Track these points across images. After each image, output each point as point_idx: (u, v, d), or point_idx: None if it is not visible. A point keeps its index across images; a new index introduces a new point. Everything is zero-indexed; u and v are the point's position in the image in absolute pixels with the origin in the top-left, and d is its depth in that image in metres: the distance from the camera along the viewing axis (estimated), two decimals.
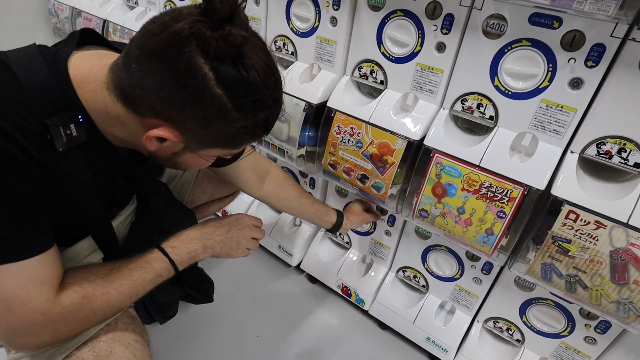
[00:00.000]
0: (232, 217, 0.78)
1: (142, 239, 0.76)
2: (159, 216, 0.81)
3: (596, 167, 0.81)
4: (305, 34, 1.05)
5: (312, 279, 1.36)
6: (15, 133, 0.49)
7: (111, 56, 0.57)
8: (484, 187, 0.82)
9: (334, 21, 0.98)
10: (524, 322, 1.00)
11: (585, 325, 0.91)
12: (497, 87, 0.80)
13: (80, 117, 0.55)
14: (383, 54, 0.93)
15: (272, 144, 1.13)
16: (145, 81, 0.50)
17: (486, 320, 1.07)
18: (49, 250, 0.55)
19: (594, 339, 0.91)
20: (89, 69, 0.56)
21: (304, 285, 1.36)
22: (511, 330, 1.03)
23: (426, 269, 1.13)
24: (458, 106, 0.87)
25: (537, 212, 0.80)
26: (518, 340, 1.03)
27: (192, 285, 0.86)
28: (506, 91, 0.80)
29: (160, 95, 0.50)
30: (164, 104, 0.51)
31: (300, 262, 1.36)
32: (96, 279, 0.58)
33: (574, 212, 0.73)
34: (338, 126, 0.99)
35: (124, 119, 0.55)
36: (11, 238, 0.51)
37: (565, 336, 0.95)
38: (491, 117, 0.84)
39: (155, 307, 0.78)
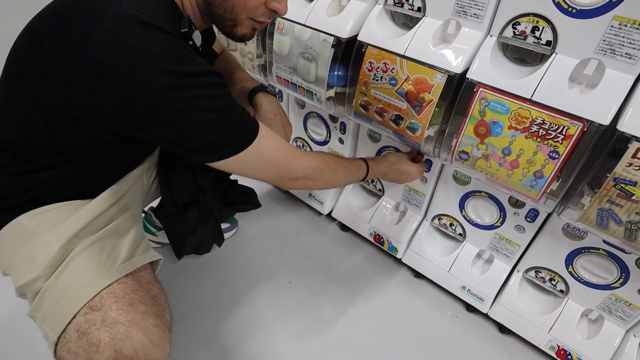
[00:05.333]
0: (407, 168, 1.00)
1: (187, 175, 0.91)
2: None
3: None
4: None
5: (344, 227, 1.34)
6: (187, 52, 0.58)
7: None
8: (535, 124, 0.72)
9: None
10: (569, 273, 0.94)
11: None
12: (558, 5, 0.68)
13: (190, 17, 0.64)
14: None
15: (299, 86, 1.06)
16: None
17: (527, 270, 1.01)
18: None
19: None
20: None
21: (335, 234, 1.34)
22: (554, 281, 0.97)
23: (464, 216, 1.07)
24: (508, 32, 0.76)
25: (596, 152, 0.70)
26: (562, 291, 0.97)
27: (239, 200, 1.14)
28: (570, 9, 0.67)
29: None
30: None
31: (332, 210, 1.33)
32: (326, 155, 0.85)
33: None
34: (370, 62, 0.90)
35: None
36: (245, 113, 0.66)
37: (617, 288, 0.88)
38: (548, 43, 0.72)
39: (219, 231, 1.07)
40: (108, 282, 0.61)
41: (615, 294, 0.89)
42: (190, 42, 0.63)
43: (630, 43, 0.64)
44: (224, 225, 1.26)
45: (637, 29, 0.63)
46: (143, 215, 1.20)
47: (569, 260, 0.92)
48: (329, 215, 1.36)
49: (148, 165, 0.88)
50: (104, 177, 0.75)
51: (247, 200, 1.15)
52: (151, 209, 1.20)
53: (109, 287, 0.60)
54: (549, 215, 0.91)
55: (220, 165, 0.66)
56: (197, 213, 0.96)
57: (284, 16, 0.99)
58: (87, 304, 0.58)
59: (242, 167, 0.69)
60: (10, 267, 0.66)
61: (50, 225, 0.65)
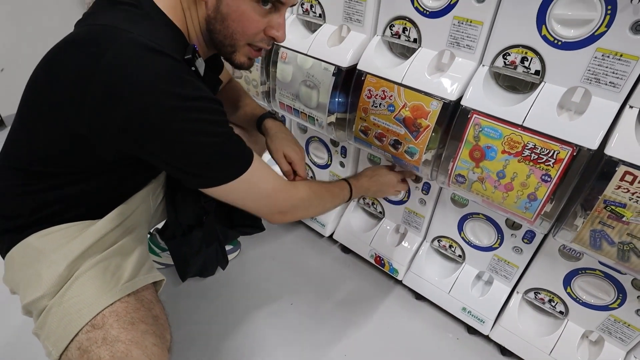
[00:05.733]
0: (387, 179, 1.05)
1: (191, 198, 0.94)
2: None
3: None
4: None
5: (345, 249, 1.35)
6: (190, 77, 0.61)
7: None
8: (527, 149, 0.75)
9: None
10: (568, 294, 0.95)
11: (638, 297, 0.84)
12: (544, 37, 0.73)
13: (195, 45, 0.68)
14: (416, 8, 0.87)
15: (301, 112, 1.10)
16: None
17: (526, 291, 1.02)
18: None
19: None
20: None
21: (337, 255, 1.36)
22: (554, 302, 0.98)
23: (463, 238, 1.09)
24: (499, 62, 0.80)
25: (586, 175, 0.73)
26: (561, 312, 0.98)
27: (243, 223, 1.11)
28: (555, 41, 0.72)
29: None
30: None
31: (333, 232, 1.35)
32: (316, 183, 0.90)
33: (631, 173, 0.66)
34: (369, 90, 0.95)
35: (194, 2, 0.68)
36: (240, 142, 0.69)
37: (615, 308, 0.89)
38: (537, 72, 0.76)
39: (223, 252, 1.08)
40: (110, 300, 0.63)
41: (614, 315, 0.90)
42: (193, 68, 0.66)
43: (613, 72, 0.68)
44: (227, 247, 1.28)
45: (619, 59, 0.67)
46: (148, 236, 1.22)
47: (567, 281, 0.93)
48: (330, 237, 1.37)
49: (154, 187, 0.91)
50: (112, 197, 0.77)
51: (252, 223, 1.16)
52: (156, 230, 1.23)
53: (111, 306, 0.62)
54: (545, 236, 0.93)
55: (212, 192, 0.68)
56: (200, 234, 0.98)
57: (287, 46, 1.05)
58: (90, 322, 0.59)
59: (233, 196, 0.71)
60: (18, 285, 0.68)
61: (57, 245, 0.67)
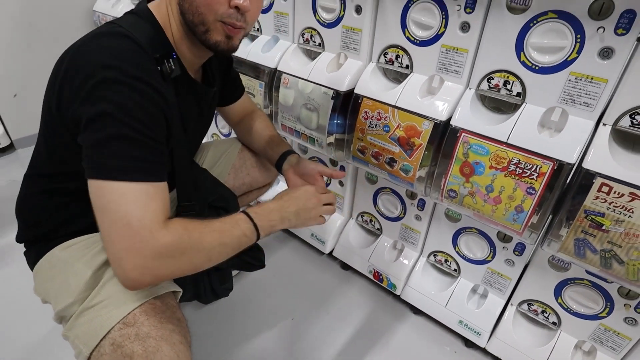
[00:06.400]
0: (301, 190, 0.83)
1: (194, 211, 0.84)
2: (207, 191, 0.90)
3: (632, 141, 0.79)
4: (331, 25, 1.08)
5: (345, 266, 1.39)
6: (143, 75, 0.61)
7: None
8: (512, 164, 0.81)
9: (358, 9, 1.00)
10: (559, 304, 0.98)
11: (624, 305, 0.88)
12: (523, 63, 0.80)
13: (174, 54, 0.69)
14: (408, 38, 0.95)
15: (302, 133, 1.17)
16: None
17: (520, 303, 1.06)
18: (165, 184, 0.63)
19: (635, 320, 0.88)
20: (158, 3, 0.73)
21: (336, 272, 1.39)
22: (546, 313, 1.02)
23: (457, 252, 1.13)
24: (484, 85, 0.88)
25: (569, 188, 0.79)
26: (554, 323, 1.01)
27: (247, 253, 0.87)
28: (533, 66, 0.79)
29: None
30: None
31: (333, 250, 1.40)
32: (195, 222, 0.64)
33: (607, 185, 0.72)
34: (365, 112, 1.02)
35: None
36: (148, 160, 0.61)
37: (604, 317, 0.93)
38: (518, 94, 0.83)
39: (217, 278, 0.91)
40: (140, 302, 0.67)
41: (604, 324, 0.93)
42: (159, 68, 0.66)
43: (586, 94, 0.75)
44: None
45: (590, 82, 0.74)
46: None
47: (557, 291, 0.97)
48: (330, 254, 1.41)
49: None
50: None
51: (255, 255, 0.97)
52: None
53: (141, 307, 0.66)
54: (535, 249, 0.98)
55: (89, 186, 0.60)
56: None
57: (289, 72, 1.13)
58: (121, 321, 0.63)
59: (97, 202, 0.59)
60: (49, 295, 0.73)
61: (81, 254, 0.72)
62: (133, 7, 1.81)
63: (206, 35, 0.69)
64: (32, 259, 0.77)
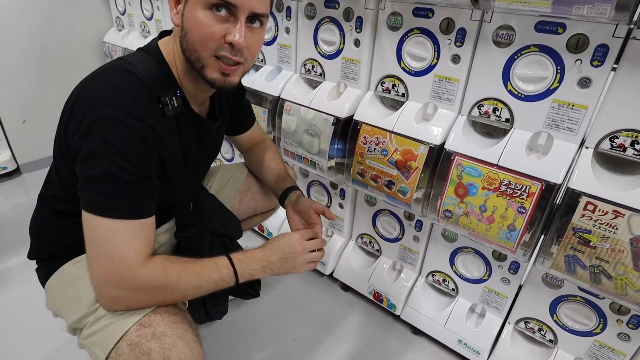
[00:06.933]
0: (285, 239, 0.83)
1: (196, 236, 0.87)
2: (212, 217, 0.93)
3: (614, 163, 0.85)
4: (331, 56, 1.16)
5: (345, 287, 1.41)
6: (139, 112, 0.64)
7: None
8: (504, 185, 0.87)
9: (357, 42, 1.08)
10: (555, 321, 1.01)
11: (617, 320, 0.91)
12: (510, 92, 0.87)
13: (178, 92, 0.72)
14: (403, 69, 1.02)
15: (304, 157, 1.23)
16: None
17: (517, 322, 1.09)
18: (152, 218, 0.67)
19: (628, 335, 0.91)
20: (166, 41, 0.76)
21: (337, 293, 1.41)
22: (543, 331, 1.04)
23: (455, 271, 1.17)
24: (475, 112, 0.94)
25: (557, 207, 0.84)
26: (551, 341, 1.04)
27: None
28: (519, 94, 0.86)
29: None
30: None
31: (333, 271, 1.42)
32: (176, 262, 0.69)
33: (592, 203, 0.77)
34: (364, 137, 1.08)
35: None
36: (136, 199, 0.65)
37: (598, 334, 0.95)
38: (507, 120, 0.90)
39: (211, 302, 0.91)
40: (153, 306, 0.70)
41: (599, 340, 0.96)
42: (160, 105, 0.69)
43: (568, 119, 0.82)
44: None
45: (572, 108, 0.81)
46: None
47: (553, 308, 1.00)
48: (330, 275, 1.44)
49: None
50: None
51: (251, 283, 0.92)
52: None
53: (155, 309, 0.69)
54: (529, 266, 1.01)
55: (82, 214, 0.65)
56: None
57: (291, 100, 1.20)
58: (138, 322, 0.66)
59: (87, 234, 0.65)
60: (61, 309, 0.76)
61: None
62: (142, 39, 1.93)
63: (203, 71, 0.70)
64: (44, 275, 0.81)
